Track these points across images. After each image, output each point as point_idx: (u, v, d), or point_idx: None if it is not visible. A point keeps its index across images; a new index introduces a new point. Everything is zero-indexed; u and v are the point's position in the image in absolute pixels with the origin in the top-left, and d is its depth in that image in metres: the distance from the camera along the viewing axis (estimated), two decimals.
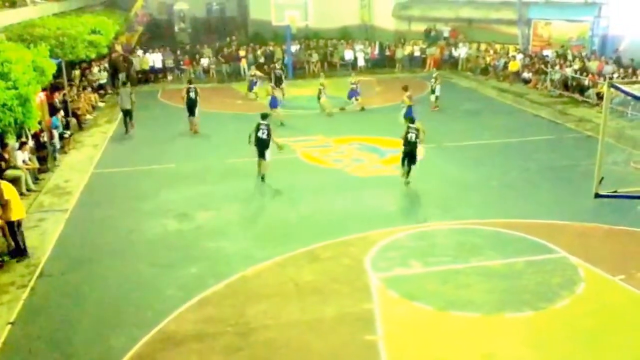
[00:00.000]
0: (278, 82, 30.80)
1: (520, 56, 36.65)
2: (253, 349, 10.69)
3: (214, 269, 13.58)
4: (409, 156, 18.30)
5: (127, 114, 25.57)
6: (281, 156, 21.51)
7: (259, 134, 18.89)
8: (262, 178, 19.39)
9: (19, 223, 14.27)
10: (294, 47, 39.81)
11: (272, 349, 10.69)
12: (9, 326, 11.54)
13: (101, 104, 31.16)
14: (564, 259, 13.79)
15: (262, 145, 18.96)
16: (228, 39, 44.33)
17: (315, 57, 40.17)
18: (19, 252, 14.23)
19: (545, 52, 36.59)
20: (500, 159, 21.27)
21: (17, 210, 14.10)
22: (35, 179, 19.25)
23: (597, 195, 9.63)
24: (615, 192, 9.87)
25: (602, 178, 9.48)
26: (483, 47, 40.23)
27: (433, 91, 28.91)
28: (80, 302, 12.42)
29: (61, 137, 22.86)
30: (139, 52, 38.03)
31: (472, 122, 27.05)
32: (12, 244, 14.26)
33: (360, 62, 40.20)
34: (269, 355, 10.54)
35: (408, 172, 18.44)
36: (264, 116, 19.56)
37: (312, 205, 17.38)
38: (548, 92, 32.38)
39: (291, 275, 13.21)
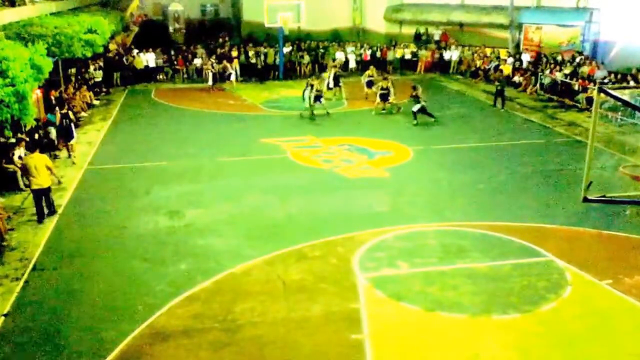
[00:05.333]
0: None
1: (511, 60, 36.83)
2: (240, 346, 10.77)
3: (203, 266, 13.67)
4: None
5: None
6: (271, 155, 21.75)
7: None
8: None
9: (41, 191, 16.19)
10: (286, 49, 39.91)
11: (259, 345, 10.77)
12: (2, 318, 11.66)
13: (96, 102, 31.23)
14: (551, 262, 13.83)
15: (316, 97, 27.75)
16: (220, 39, 44.44)
17: (306, 58, 40.29)
18: (40, 217, 16.30)
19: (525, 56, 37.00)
20: (489, 162, 21.34)
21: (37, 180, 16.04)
22: None
23: (585, 200, 9.66)
24: (603, 196, 9.91)
25: (591, 182, 9.51)
26: (476, 49, 40.48)
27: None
28: (72, 295, 12.51)
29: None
30: (134, 51, 38.09)
31: (461, 124, 27.14)
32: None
33: (352, 64, 40.31)
34: (255, 352, 10.61)
35: None
36: (316, 77, 30.49)
37: (300, 205, 17.47)
38: (537, 95, 32.60)
39: (279, 274, 13.29)
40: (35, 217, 16.42)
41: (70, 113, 23.42)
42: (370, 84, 31.08)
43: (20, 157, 18.96)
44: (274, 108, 29.79)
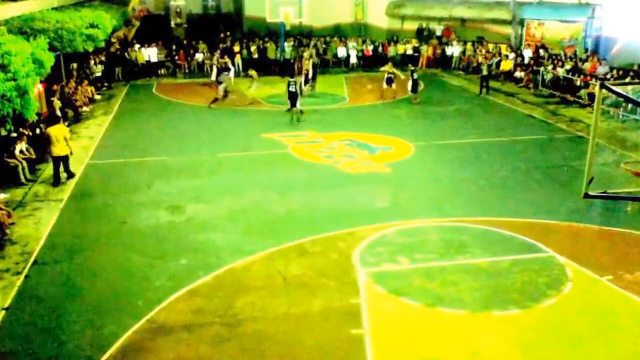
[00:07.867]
0: None
1: (512, 55, 36.74)
2: (240, 340, 10.78)
3: (203, 260, 13.67)
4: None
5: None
6: (272, 151, 21.74)
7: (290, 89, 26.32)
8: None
9: (59, 158, 18.62)
10: (288, 44, 39.85)
11: (259, 340, 10.78)
12: (3, 312, 11.68)
13: (98, 97, 31.24)
14: (552, 258, 13.81)
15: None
16: (222, 34, 44.37)
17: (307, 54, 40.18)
18: (56, 182, 18.64)
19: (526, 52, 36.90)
20: (490, 158, 21.31)
21: (56, 149, 18.44)
22: (33, 170, 19.40)
23: (586, 196, 9.58)
24: (604, 192, 9.85)
25: (592, 178, 9.44)
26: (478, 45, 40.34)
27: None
28: (72, 290, 12.53)
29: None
30: (136, 46, 38.08)
31: (463, 120, 27.12)
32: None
33: (353, 59, 40.24)
34: (256, 346, 10.62)
35: None
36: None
37: (301, 200, 17.48)
38: (539, 91, 32.53)
39: (279, 269, 13.29)
40: (35, 213, 16.50)
41: (55, 100, 24.40)
42: (390, 81, 30.00)
43: (21, 152, 19.03)
44: (275, 103, 29.70)
